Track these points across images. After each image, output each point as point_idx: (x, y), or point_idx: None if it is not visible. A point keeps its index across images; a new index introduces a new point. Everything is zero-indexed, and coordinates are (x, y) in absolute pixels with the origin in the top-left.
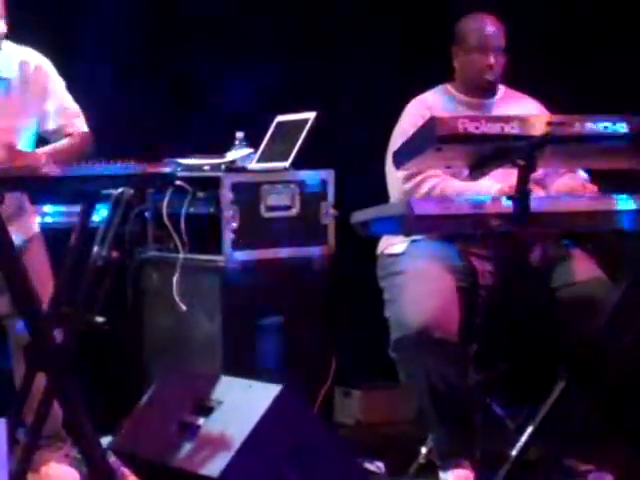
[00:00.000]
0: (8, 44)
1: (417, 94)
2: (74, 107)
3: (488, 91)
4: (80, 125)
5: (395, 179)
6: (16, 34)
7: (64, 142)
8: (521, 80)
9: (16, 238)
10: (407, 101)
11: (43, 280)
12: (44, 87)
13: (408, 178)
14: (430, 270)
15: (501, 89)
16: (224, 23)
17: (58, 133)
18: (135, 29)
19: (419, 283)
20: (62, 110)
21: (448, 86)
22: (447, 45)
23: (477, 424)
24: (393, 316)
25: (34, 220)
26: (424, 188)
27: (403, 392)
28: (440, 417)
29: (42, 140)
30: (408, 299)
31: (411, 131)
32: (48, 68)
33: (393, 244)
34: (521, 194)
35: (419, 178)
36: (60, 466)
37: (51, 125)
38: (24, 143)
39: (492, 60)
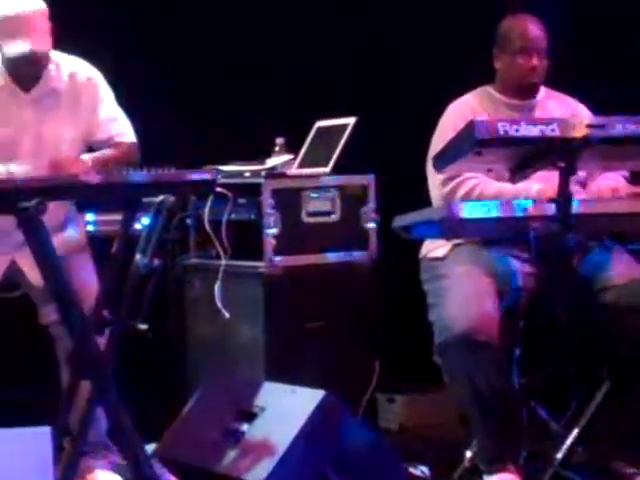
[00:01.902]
0: (57, 54)
1: (458, 96)
2: (123, 117)
3: (530, 93)
4: (128, 135)
5: (435, 183)
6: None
7: (111, 151)
8: (561, 81)
9: (64, 246)
10: (448, 103)
11: (89, 289)
12: (94, 98)
13: (446, 181)
14: (472, 274)
15: (542, 90)
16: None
17: (107, 143)
18: (169, 30)
19: (461, 287)
20: (111, 120)
21: (489, 88)
22: (488, 47)
23: (522, 427)
24: (437, 320)
25: (83, 229)
26: (462, 190)
27: (447, 396)
28: (484, 421)
29: (90, 150)
30: (451, 303)
31: (451, 134)
32: (98, 79)
33: (435, 248)
34: (563, 196)
35: (458, 180)
36: (105, 473)
37: (101, 135)
38: (73, 153)
39: (535, 62)
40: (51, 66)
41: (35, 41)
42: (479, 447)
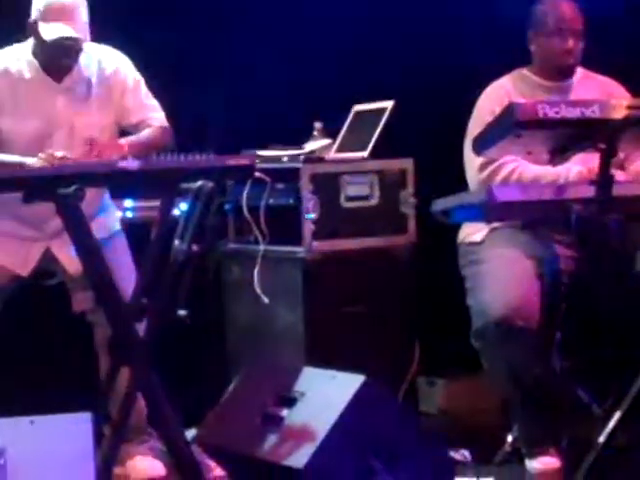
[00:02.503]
0: (88, 44)
1: (494, 78)
2: (153, 102)
3: (566, 74)
4: (160, 119)
5: (472, 167)
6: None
7: (145, 133)
8: (599, 62)
9: (99, 234)
10: (484, 86)
11: (126, 275)
12: (124, 84)
13: (484, 166)
14: (510, 258)
15: (579, 71)
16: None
17: (140, 126)
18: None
19: (500, 271)
20: (142, 105)
21: (524, 70)
22: (523, 29)
23: (563, 411)
24: (475, 305)
25: (116, 216)
26: (501, 174)
27: (487, 380)
28: (524, 405)
29: (123, 133)
30: (489, 287)
31: (489, 117)
32: (127, 65)
33: (473, 232)
34: (603, 178)
35: (496, 164)
36: (145, 459)
37: (133, 119)
38: (106, 138)
39: (571, 44)
40: (82, 55)
41: (77, 29)
42: (520, 431)
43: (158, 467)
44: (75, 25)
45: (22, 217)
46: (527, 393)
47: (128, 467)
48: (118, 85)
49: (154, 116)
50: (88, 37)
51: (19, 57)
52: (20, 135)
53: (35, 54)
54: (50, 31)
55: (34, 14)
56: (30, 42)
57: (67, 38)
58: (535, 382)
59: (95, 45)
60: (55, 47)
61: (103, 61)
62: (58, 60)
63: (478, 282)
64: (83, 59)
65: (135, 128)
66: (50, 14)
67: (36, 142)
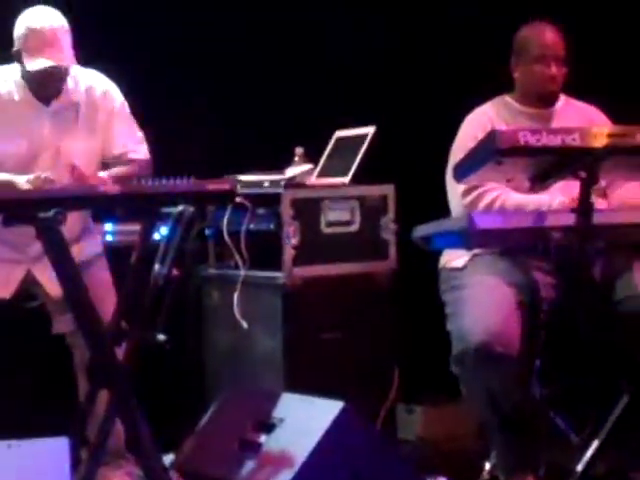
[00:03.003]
0: (75, 68)
1: (477, 105)
2: (138, 134)
3: (549, 101)
4: (143, 152)
5: (455, 193)
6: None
7: (126, 168)
8: (580, 88)
9: (81, 257)
10: (466, 113)
11: (106, 299)
12: (111, 111)
13: (468, 192)
14: (491, 284)
15: (561, 98)
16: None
17: (121, 158)
18: (188, 41)
19: (480, 297)
20: (127, 135)
21: (506, 97)
22: (505, 56)
23: (541, 439)
24: (454, 330)
25: (98, 240)
26: (484, 201)
27: (466, 407)
28: (502, 431)
29: (104, 167)
30: (469, 313)
31: (471, 144)
32: (114, 92)
33: (454, 258)
34: (583, 207)
35: (478, 192)
36: None
37: (116, 150)
38: (90, 166)
39: (554, 70)
40: (69, 79)
41: (58, 56)
42: (498, 458)
43: None
44: (57, 53)
45: (4, 240)
46: (505, 420)
47: None
48: (104, 112)
49: (136, 149)
50: (73, 60)
51: (7, 78)
52: (6, 156)
53: (23, 76)
54: (32, 62)
55: (16, 43)
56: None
57: (49, 67)
58: (514, 409)
59: (83, 70)
60: (39, 76)
61: (91, 87)
62: (44, 86)
63: (458, 308)
64: (71, 83)
65: (117, 160)
66: (31, 44)
67: (22, 163)
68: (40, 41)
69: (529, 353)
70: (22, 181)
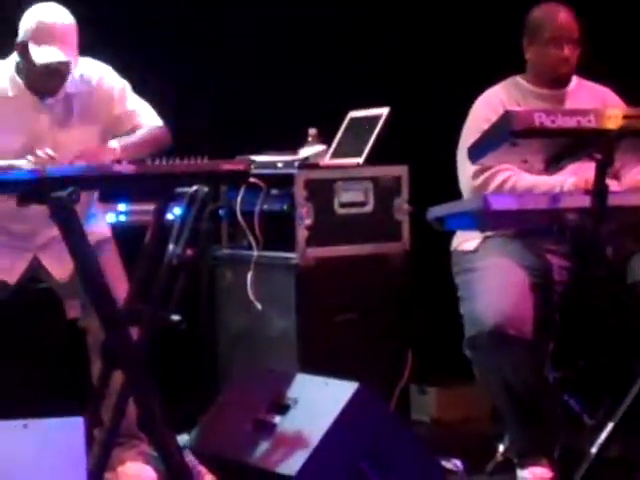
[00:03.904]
0: None
1: (489, 86)
2: (144, 105)
3: (562, 83)
4: (152, 120)
5: (466, 174)
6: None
7: (138, 133)
8: (594, 69)
9: (92, 238)
10: (480, 93)
11: (116, 282)
12: (109, 95)
13: (479, 173)
14: (504, 267)
15: (573, 79)
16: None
17: (134, 132)
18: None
19: (493, 280)
20: (132, 112)
21: (518, 78)
22: (517, 36)
23: (555, 421)
24: (467, 313)
25: (105, 222)
26: (495, 182)
27: (479, 389)
28: (516, 415)
29: None
30: (482, 296)
31: (483, 125)
32: (110, 76)
33: (467, 240)
34: (599, 188)
35: (490, 172)
36: (136, 464)
37: (124, 128)
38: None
39: (567, 52)
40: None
41: (68, 52)
42: (511, 441)
43: (149, 472)
44: (66, 48)
45: (10, 231)
46: (519, 403)
47: (119, 472)
48: (103, 98)
49: (146, 118)
50: (77, 60)
51: (1, 74)
52: (4, 152)
53: (19, 72)
54: (41, 54)
55: (23, 34)
56: (12, 59)
57: (58, 62)
58: (527, 392)
59: (79, 59)
60: (44, 70)
61: (85, 75)
62: (46, 82)
63: (471, 291)
64: (72, 82)
65: (128, 134)
66: (41, 36)
67: (20, 158)
68: (51, 35)
69: (543, 336)
70: (20, 163)
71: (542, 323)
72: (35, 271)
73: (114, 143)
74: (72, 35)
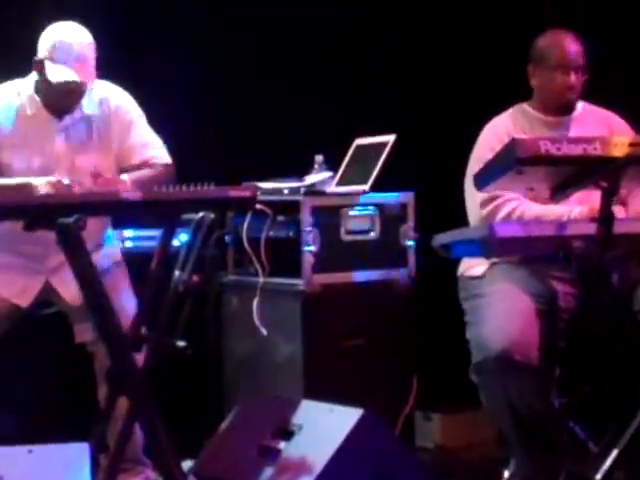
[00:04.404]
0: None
1: (496, 113)
2: (156, 140)
3: (567, 109)
4: (163, 157)
5: (473, 203)
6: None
7: (147, 172)
8: (600, 94)
9: (102, 264)
10: (487, 120)
11: (126, 305)
12: (126, 123)
13: (486, 202)
14: (510, 293)
15: (579, 105)
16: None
17: (142, 167)
18: (209, 47)
19: (499, 306)
20: (145, 144)
21: (524, 105)
22: (523, 64)
23: (560, 447)
24: (474, 339)
25: (117, 246)
26: (502, 212)
27: (484, 415)
28: (521, 440)
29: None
30: (488, 322)
31: (488, 155)
32: (129, 103)
33: (473, 266)
34: (604, 216)
35: (498, 202)
36: None
37: (135, 160)
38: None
39: (573, 79)
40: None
41: (83, 73)
42: (517, 467)
43: None
44: (83, 69)
45: (21, 252)
46: (525, 428)
47: None
48: (119, 124)
49: (156, 154)
50: (94, 79)
51: (20, 92)
52: (19, 171)
53: (37, 91)
54: (56, 73)
55: (42, 52)
56: (32, 78)
57: (73, 82)
58: (533, 418)
59: (97, 81)
60: (59, 89)
61: (104, 99)
62: (61, 101)
63: (478, 316)
64: (85, 97)
65: (138, 168)
66: (58, 55)
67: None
68: (68, 54)
69: (548, 362)
70: (41, 183)
71: (548, 349)
72: (47, 294)
73: (124, 177)
74: (90, 54)
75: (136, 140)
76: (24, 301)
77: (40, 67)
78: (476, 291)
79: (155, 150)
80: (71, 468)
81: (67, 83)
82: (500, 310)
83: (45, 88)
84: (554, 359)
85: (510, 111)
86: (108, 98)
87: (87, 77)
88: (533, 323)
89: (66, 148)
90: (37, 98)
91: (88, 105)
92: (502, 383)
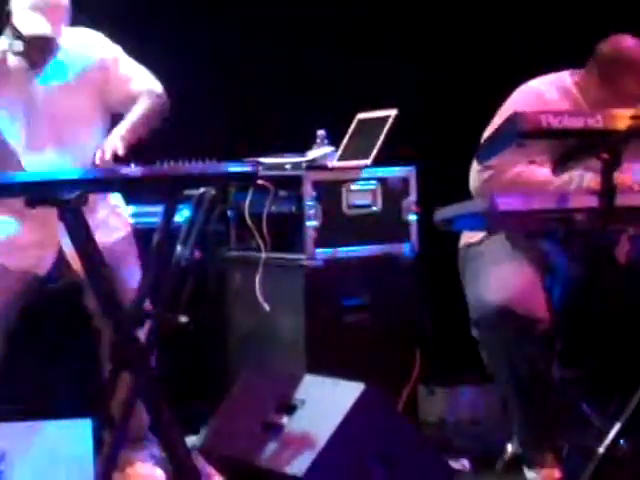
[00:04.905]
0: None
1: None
2: (142, 71)
3: None
4: (152, 87)
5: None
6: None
7: (139, 110)
8: None
9: (109, 237)
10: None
11: (130, 280)
12: (103, 63)
13: (492, 166)
14: (511, 253)
15: None
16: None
17: (133, 102)
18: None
19: (499, 264)
20: (129, 79)
21: (568, 79)
22: (519, 55)
23: (562, 419)
24: (473, 296)
25: (126, 217)
26: (509, 175)
27: (488, 389)
28: (523, 406)
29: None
30: (488, 277)
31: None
32: (103, 43)
33: (473, 236)
34: (606, 188)
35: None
36: (145, 465)
37: (123, 96)
38: (90, 126)
39: None
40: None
41: (56, 30)
42: (517, 432)
43: (158, 474)
44: (56, 25)
45: (35, 217)
46: (526, 391)
47: (127, 473)
48: (98, 66)
49: (144, 86)
50: (61, 30)
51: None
52: (3, 118)
53: (12, 47)
54: (29, 25)
55: (14, 5)
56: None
57: (42, 37)
58: (536, 380)
59: (70, 29)
60: (30, 42)
61: (79, 44)
62: (33, 54)
63: (477, 274)
64: (60, 44)
65: (123, 104)
66: (32, 7)
67: (18, 128)
68: (44, 8)
69: (552, 333)
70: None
71: (551, 320)
72: (59, 264)
73: (115, 137)
74: (64, 13)
75: (120, 76)
76: (41, 269)
77: (11, 19)
78: (475, 254)
79: (142, 82)
80: (74, 444)
81: (37, 37)
82: (500, 267)
83: (17, 44)
84: (557, 330)
85: (550, 84)
86: (83, 42)
87: (58, 35)
88: (535, 280)
89: (46, 96)
90: (14, 47)
91: (64, 52)
92: (503, 338)
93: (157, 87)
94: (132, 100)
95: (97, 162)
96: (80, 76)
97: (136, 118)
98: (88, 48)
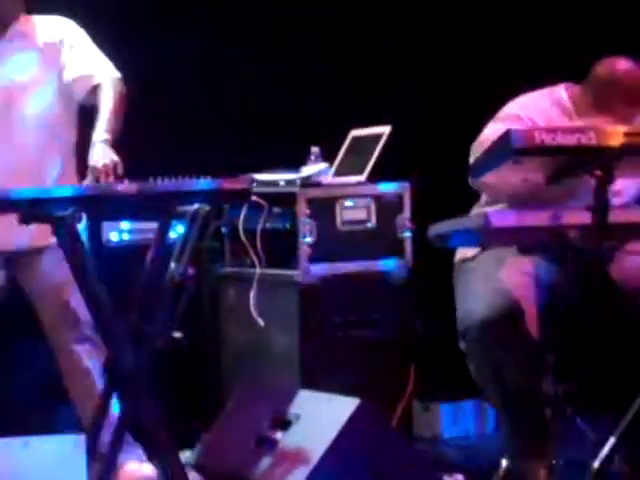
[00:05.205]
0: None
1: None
2: (98, 58)
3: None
4: (111, 73)
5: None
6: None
7: (105, 105)
8: None
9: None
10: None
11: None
12: (66, 45)
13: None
14: (504, 266)
15: None
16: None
17: (86, 87)
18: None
19: (488, 278)
20: (86, 61)
21: (563, 92)
22: (517, 62)
23: (553, 429)
24: (461, 308)
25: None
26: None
27: (482, 404)
28: (511, 418)
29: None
30: (474, 292)
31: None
32: (67, 27)
33: (467, 252)
34: (599, 205)
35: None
36: (135, 463)
37: (72, 74)
38: (57, 112)
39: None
40: (20, 25)
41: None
42: (507, 443)
43: (148, 469)
44: None
45: None
46: (513, 404)
47: (120, 471)
48: (60, 49)
49: (105, 76)
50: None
51: None
52: None
53: None
54: None
55: None
56: None
57: None
58: (523, 393)
59: (35, 16)
60: None
61: (44, 27)
62: None
63: (468, 286)
64: (20, 25)
65: (81, 87)
66: None
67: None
68: None
69: (542, 340)
70: None
71: (544, 334)
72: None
73: (98, 143)
74: None
75: (75, 58)
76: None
77: None
78: (467, 269)
79: (103, 71)
80: (67, 460)
81: None
82: (489, 281)
83: None
84: (550, 344)
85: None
86: (47, 27)
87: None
88: (525, 295)
89: (5, 82)
90: None
91: (28, 36)
92: (489, 350)
93: (117, 73)
94: (94, 89)
95: (102, 180)
96: (43, 65)
97: (112, 116)
98: (54, 36)
